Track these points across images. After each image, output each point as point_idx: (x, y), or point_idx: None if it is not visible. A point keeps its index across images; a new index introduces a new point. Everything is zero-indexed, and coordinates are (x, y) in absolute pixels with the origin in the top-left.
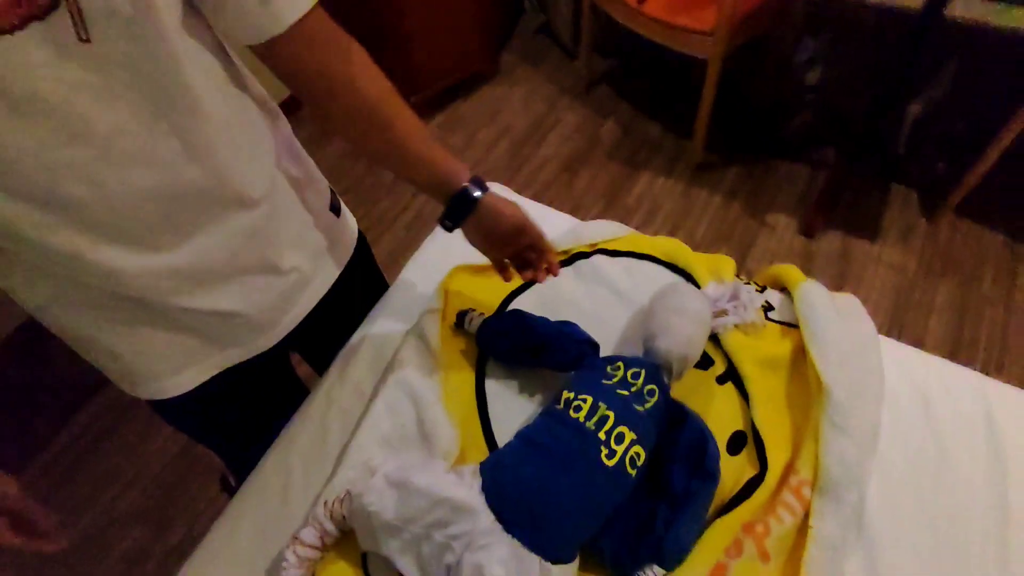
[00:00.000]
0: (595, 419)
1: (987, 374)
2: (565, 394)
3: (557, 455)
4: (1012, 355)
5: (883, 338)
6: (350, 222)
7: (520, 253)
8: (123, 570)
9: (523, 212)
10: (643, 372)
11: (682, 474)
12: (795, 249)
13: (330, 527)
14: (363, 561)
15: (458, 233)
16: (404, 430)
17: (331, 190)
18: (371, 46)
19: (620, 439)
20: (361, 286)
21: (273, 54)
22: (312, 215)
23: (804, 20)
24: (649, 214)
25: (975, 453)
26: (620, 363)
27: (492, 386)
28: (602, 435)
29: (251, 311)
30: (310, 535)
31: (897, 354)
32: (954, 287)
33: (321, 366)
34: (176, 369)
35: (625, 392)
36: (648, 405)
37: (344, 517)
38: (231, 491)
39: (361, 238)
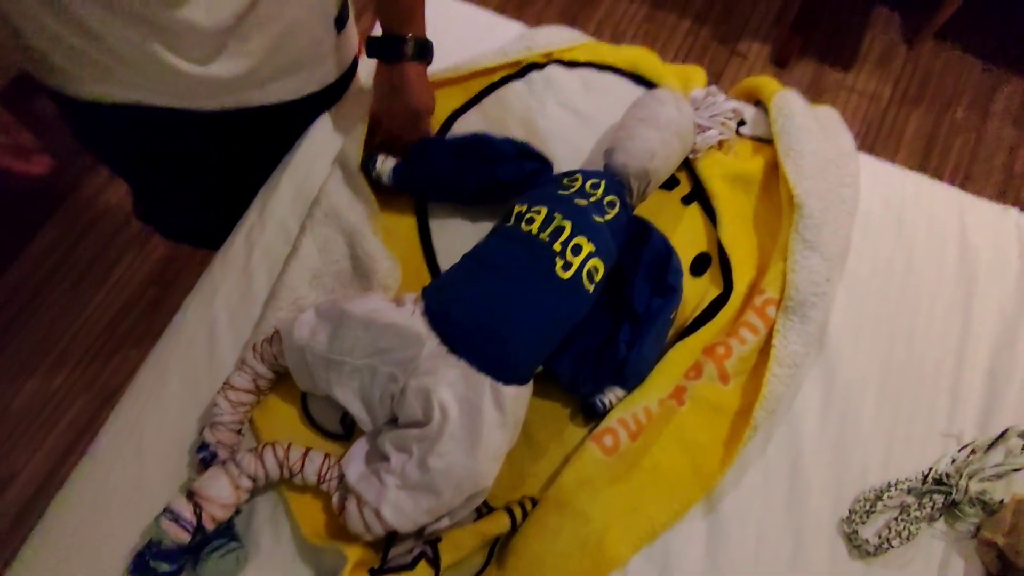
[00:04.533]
0: (550, 230)
1: None
2: (517, 208)
3: (506, 271)
4: (975, 185)
5: (860, 154)
6: (350, 40)
7: (395, 136)
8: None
9: (432, 104)
10: (603, 183)
11: (644, 291)
12: None
13: (262, 369)
14: (303, 402)
15: None
16: (337, 266)
17: None
18: None
19: (577, 250)
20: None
21: None
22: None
23: None
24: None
25: (944, 268)
26: (578, 175)
27: (436, 214)
28: (557, 246)
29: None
30: (241, 379)
31: (873, 168)
32: (927, 115)
33: None
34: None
35: (583, 201)
36: (608, 217)
37: (275, 357)
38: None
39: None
